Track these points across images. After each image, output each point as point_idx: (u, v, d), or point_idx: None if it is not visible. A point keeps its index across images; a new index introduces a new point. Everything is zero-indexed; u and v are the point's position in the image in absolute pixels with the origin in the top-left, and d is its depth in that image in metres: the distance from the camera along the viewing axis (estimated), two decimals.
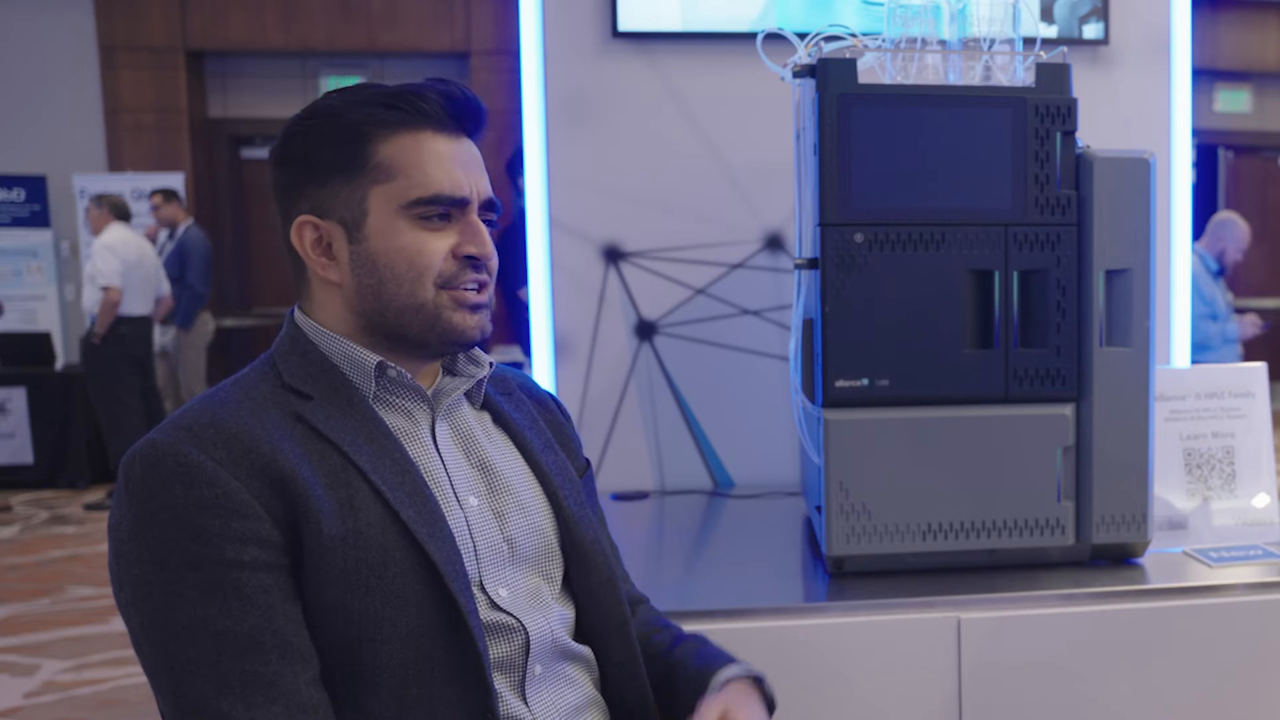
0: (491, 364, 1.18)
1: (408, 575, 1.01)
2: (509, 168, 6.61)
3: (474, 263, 1.09)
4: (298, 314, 1.12)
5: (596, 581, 1.17)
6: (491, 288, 1.12)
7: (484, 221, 1.11)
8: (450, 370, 1.17)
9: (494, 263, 1.11)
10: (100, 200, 6.11)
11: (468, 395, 1.17)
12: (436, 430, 1.12)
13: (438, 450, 1.11)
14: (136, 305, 6.01)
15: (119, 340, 5.93)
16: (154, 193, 6.82)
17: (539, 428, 1.23)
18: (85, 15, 7.55)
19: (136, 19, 7.55)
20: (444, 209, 1.08)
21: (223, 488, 0.96)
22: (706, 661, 1.19)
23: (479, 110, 1.11)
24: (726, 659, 1.20)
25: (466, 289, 1.09)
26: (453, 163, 1.08)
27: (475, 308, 1.10)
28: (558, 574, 1.17)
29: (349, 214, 1.07)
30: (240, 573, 0.95)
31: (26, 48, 7.50)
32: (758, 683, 1.17)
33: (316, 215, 1.08)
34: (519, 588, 1.11)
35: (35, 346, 6.77)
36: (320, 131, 1.07)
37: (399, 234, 1.07)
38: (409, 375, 1.10)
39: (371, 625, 0.99)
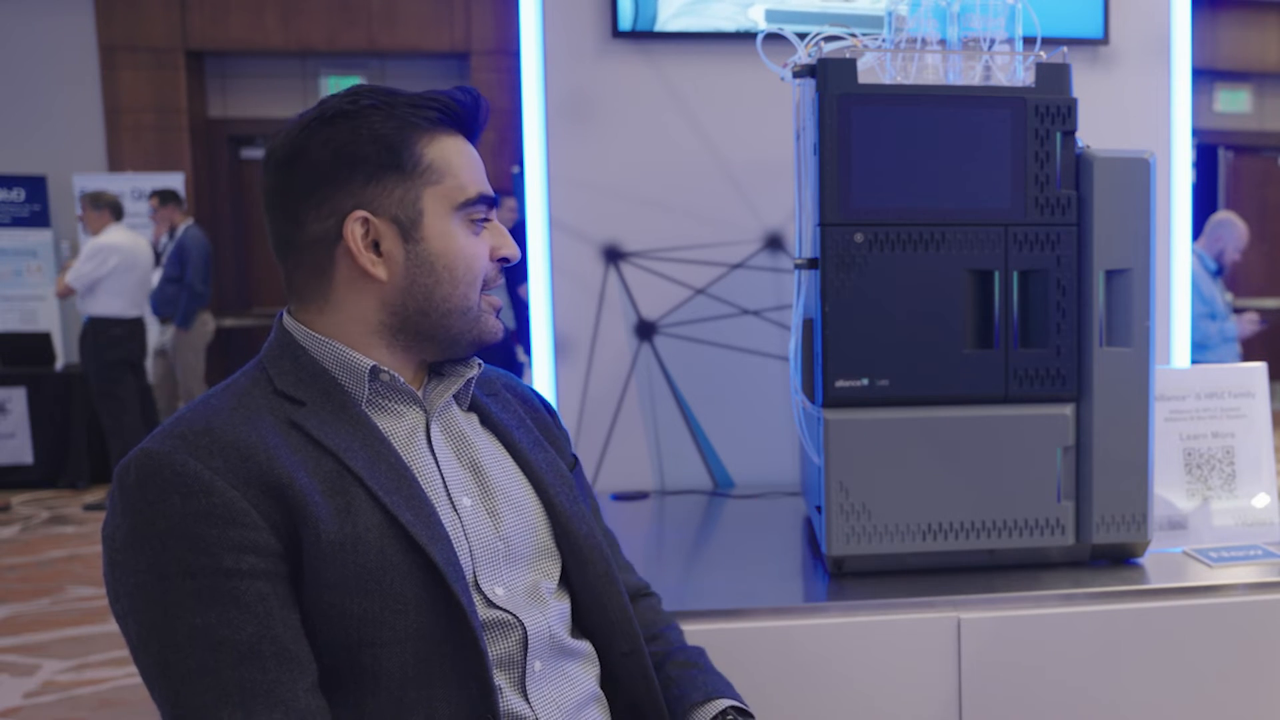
0: (480, 364, 1.19)
1: (406, 579, 1.01)
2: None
3: (504, 264, 1.16)
4: (287, 319, 1.12)
5: (593, 575, 1.18)
6: None
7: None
8: (438, 372, 1.17)
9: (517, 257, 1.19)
10: (99, 200, 6.03)
11: (455, 397, 1.18)
12: (430, 432, 1.12)
13: (431, 452, 1.11)
14: (129, 307, 5.96)
15: (113, 343, 5.91)
16: (151, 194, 6.79)
17: (526, 426, 1.24)
18: (85, 15, 7.54)
19: (136, 19, 7.55)
20: (485, 211, 1.13)
21: (220, 496, 0.96)
22: (696, 689, 1.20)
23: (487, 116, 1.16)
24: (717, 686, 1.21)
25: (492, 293, 1.15)
26: (478, 166, 1.13)
27: (496, 311, 1.16)
28: (555, 570, 1.17)
29: (404, 213, 1.08)
30: (238, 581, 0.95)
31: (26, 48, 7.50)
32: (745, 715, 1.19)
33: (369, 211, 1.07)
34: (515, 586, 1.11)
35: (35, 346, 6.77)
36: (367, 131, 1.06)
37: (455, 236, 1.10)
38: (402, 379, 1.10)
39: (371, 629, 0.99)
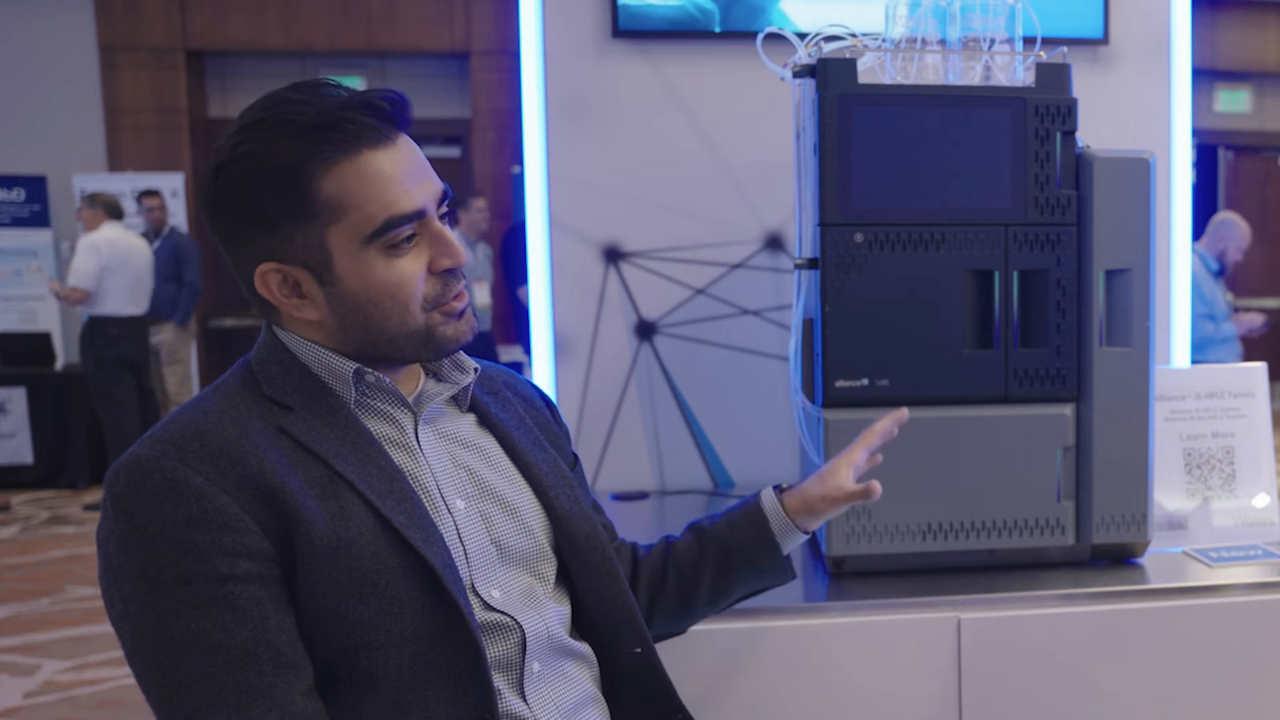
0: (476, 369, 1.17)
1: (402, 581, 1.00)
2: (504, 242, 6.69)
3: (451, 273, 1.08)
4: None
5: (597, 575, 1.17)
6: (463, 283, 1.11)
7: (444, 214, 1.08)
8: (435, 374, 1.16)
9: (465, 260, 1.09)
10: (94, 200, 6.02)
11: (453, 398, 1.17)
12: (420, 434, 1.11)
13: (423, 454, 1.10)
14: (125, 305, 5.94)
15: (110, 343, 5.89)
16: (147, 193, 6.76)
17: (526, 426, 1.22)
18: (85, 15, 7.54)
19: (136, 19, 7.55)
20: (409, 230, 1.04)
21: (212, 502, 0.95)
22: (739, 506, 1.32)
23: (403, 104, 1.05)
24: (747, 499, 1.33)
25: (452, 300, 1.08)
26: (400, 178, 1.03)
27: (461, 313, 1.09)
28: (550, 572, 1.16)
29: (312, 258, 1.03)
30: (232, 586, 0.95)
31: (26, 48, 7.50)
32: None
33: (277, 261, 1.03)
34: (511, 588, 1.11)
35: (35, 346, 6.77)
36: (253, 180, 1.00)
37: (372, 269, 1.03)
38: (388, 380, 1.09)
39: (368, 632, 0.99)
